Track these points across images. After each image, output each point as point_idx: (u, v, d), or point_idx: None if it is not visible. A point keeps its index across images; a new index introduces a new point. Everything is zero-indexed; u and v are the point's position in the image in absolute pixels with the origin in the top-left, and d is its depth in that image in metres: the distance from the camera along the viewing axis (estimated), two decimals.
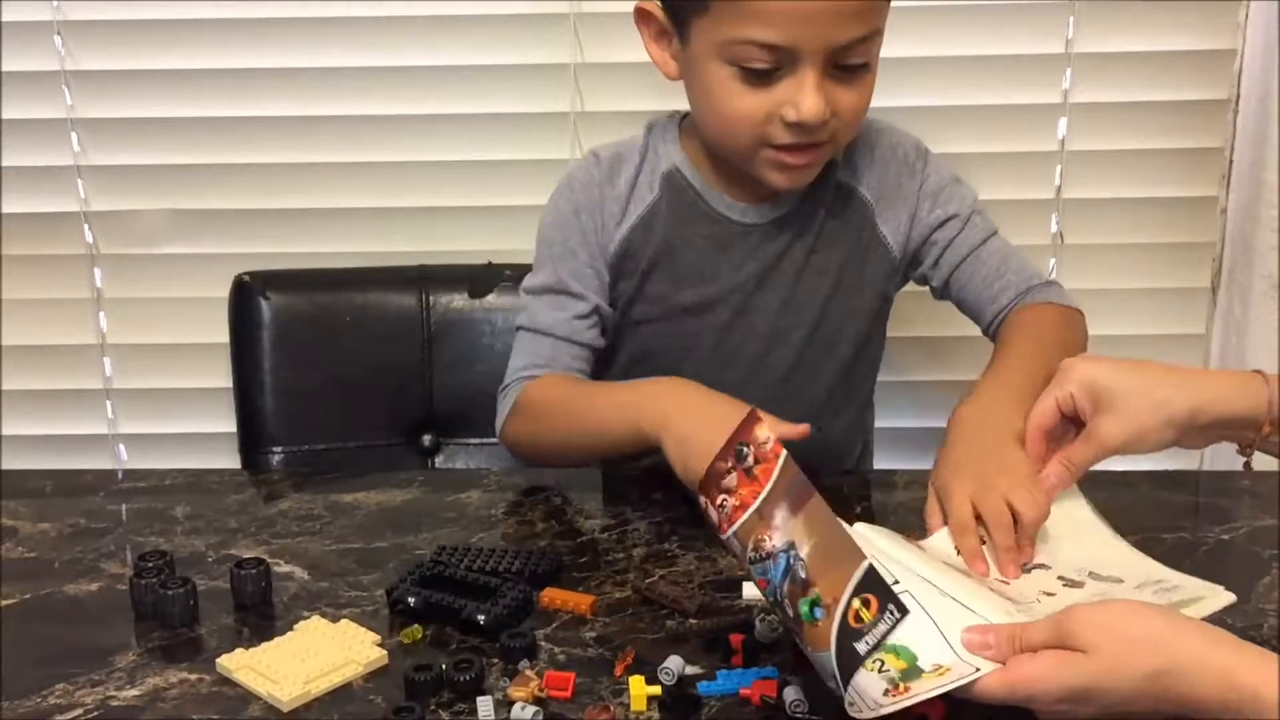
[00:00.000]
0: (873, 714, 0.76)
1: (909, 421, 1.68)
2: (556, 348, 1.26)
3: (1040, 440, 1.01)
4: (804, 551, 0.80)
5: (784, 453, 0.81)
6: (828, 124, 1.14)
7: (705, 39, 1.14)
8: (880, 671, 0.78)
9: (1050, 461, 1.00)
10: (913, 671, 0.78)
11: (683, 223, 1.27)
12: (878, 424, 1.47)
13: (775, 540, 0.81)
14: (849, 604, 0.78)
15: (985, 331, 1.30)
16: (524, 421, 1.25)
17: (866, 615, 0.78)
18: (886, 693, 0.77)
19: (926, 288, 1.35)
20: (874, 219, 1.28)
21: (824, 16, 1.10)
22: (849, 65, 1.14)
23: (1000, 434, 1.02)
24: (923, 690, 0.77)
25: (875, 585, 0.78)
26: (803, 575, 0.79)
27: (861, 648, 0.78)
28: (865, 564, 0.78)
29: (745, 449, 0.83)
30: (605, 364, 1.34)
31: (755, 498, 0.82)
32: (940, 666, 0.78)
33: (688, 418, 1.09)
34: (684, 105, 1.26)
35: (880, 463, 1.47)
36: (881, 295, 1.33)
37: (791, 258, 1.27)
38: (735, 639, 0.92)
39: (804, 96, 1.12)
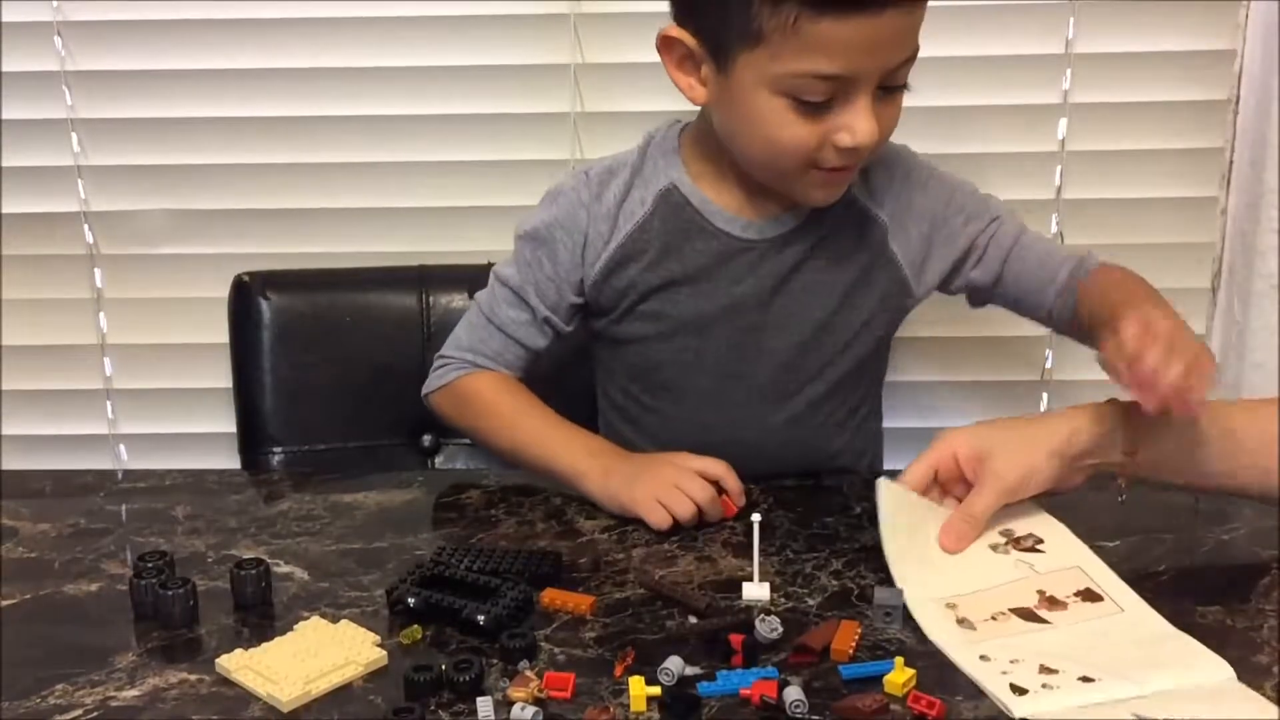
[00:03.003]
0: None
1: (915, 422, 1.68)
2: (506, 345, 1.30)
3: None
4: None
5: None
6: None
7: (754, 71, 1.12)
8: None
9: (950, 520, 1.06)
10: None
11: (679, 239, 1.26)
12: (885, 424, 1.46)
13: None
14: None
15: (1045, 312, 1.32)
16: (458, 408, 1.31)
17: None
18: None
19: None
20: (885, 238, 1.28)
21: (883, 42, 1.10)
22: (894, 86, 1.15)
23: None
24: None
25: None
26: None
27: None
28: None
29: None
30: (607, 377, 1.35)
31: None
32: None
33: (623, 470, 1.18)
34: (686, 107, 1.26)
35: (888, 465, 1.46)
36: (888, 311, 1.31)
37: (797, 274, 1.26)
38: (735, 639, 0.92)
39: (860, 122, 1.12)
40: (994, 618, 0.96)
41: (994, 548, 1.06)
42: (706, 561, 1.07)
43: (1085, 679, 0.88)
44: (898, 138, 1.63)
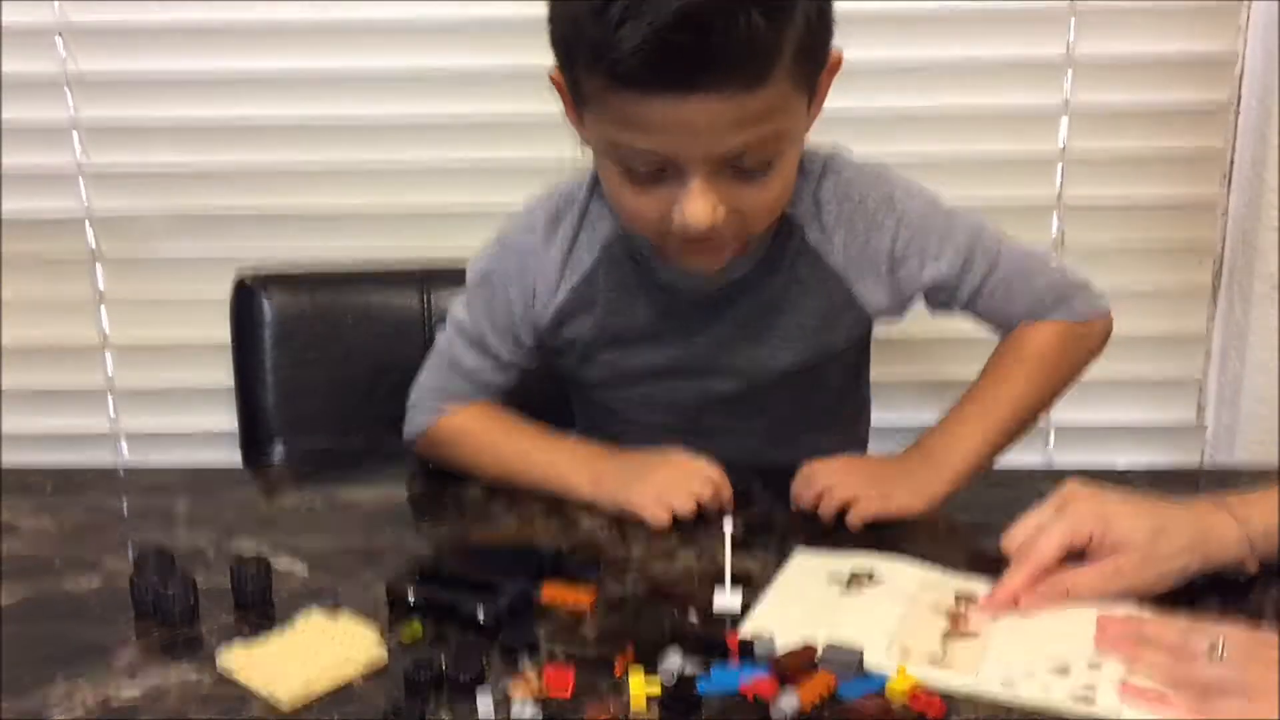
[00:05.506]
0: None
1: (915, 422, 1.67)
2: (473, 389, 1.27)
3: (1040, 574, 0.96)
4: None
5: None
6: (726, 224, 1.04)
7: (593, 132, 1.06)
8: None
9: (1048, 584, 0.96)
10: None
11: (625, 292, 1.20)
12: (881, 425, 1.42)
13: None
14: None
15: None
16: (441, 450, 1.28)
17: None
18: None
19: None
20: (846, 286, 1.18)
21: (701, 127, 0.99)
22: (746, 168, 1.03)
23: (932, 473, 1.14)
24: None
25: None
26: None
27: None
28: None
29: None
30: (574, 400, 1.33)
31: None
32: None
33: (616, 473, 1.17)
34: None
35: None
36: (856, 339, 1.26)
37: (751, 324, 1.19)
38: (731, 640, 0.90)
39: (688, 202, 1.02)
40: (945, 647, 0.92)
41: (843, 593, 0.99)
42: (707, 558, 1.07)
43: (1093, 665, 0.89)
44: (895, 138, 1.66)
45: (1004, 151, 1.68)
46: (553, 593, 0.99)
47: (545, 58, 1.66)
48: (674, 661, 0.89)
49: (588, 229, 1.21)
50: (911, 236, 1.18)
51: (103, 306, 1.77)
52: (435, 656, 0.90)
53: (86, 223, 1.73)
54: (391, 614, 0.99)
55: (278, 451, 1.51)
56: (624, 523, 1.14)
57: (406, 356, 1.53)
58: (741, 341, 1.20)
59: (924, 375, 1.74)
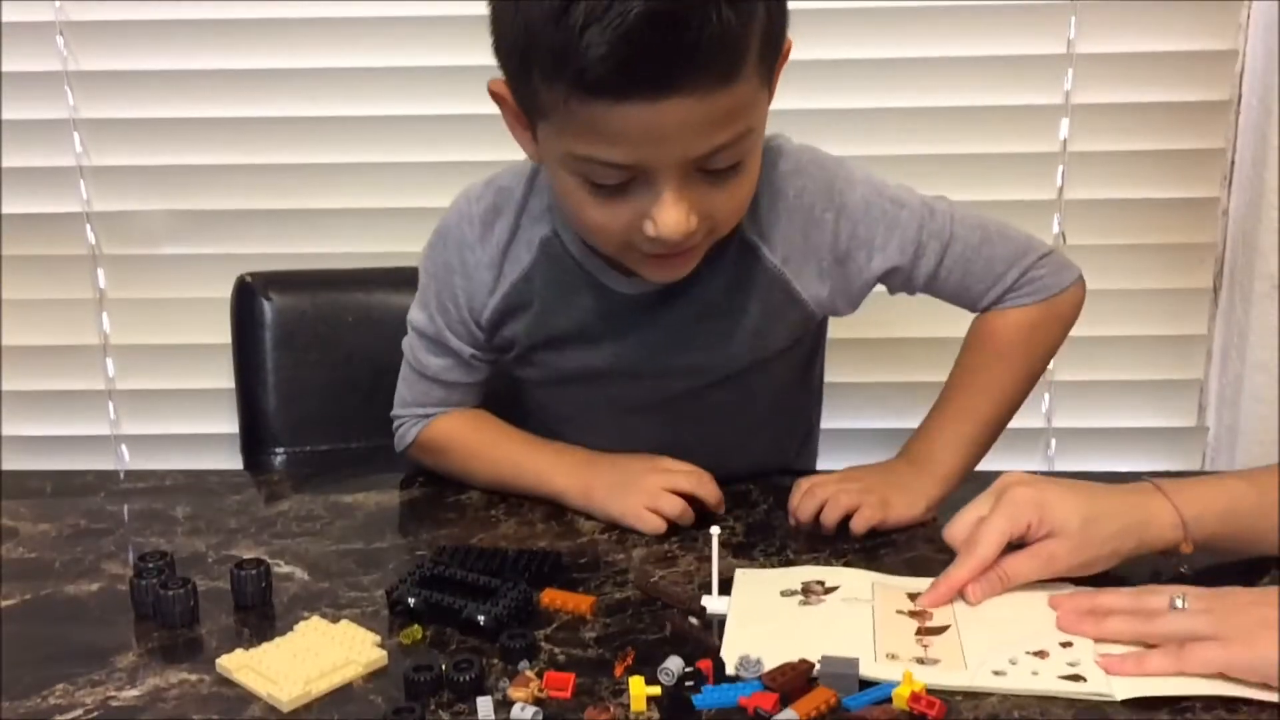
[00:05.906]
0: None
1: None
2: (447, 391, 1.25)
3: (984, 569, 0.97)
4: None
5: None
6: (697, 230, 1.01)
7: (550, 145, 1.01)
8: None
9: (987, 577, 0.97)
10: None
11: (562, 292, 1.16)
12: (827, 425, 1.41)
13: None
14: None
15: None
16: (431, 458, 1.27)
17: None
18: None
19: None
20: (786, 281, 1.15)
21: (672, 133, 0.95)
22: (716, 169, 1.00)
23: (924, 479, 1.15)
24: None
25: None
26: None
27: None
28: None
29: None
30: (520, 422, 1.30)
31: None
32: None
33: (604, 483, 1.16)
34: None
35: (830, 464, 1.42)
36: (804, 337, 1.23)
37: (689, 326, 1.16)
38: (704, 665, 0.89)
39: (661, 212, 0.98)
40: (924, 646, 0.92)
41: (802, 603, 0.98)
42: (706, 562, 1.07)
43: (1065, 644, 0.90)
44: (895, 137, 1.66)
45: (1005, 150, 1.68)
46: (553, 597, 1.00)
47: None
48: (674, 663, 0.89)
49: (526, 226, 1.17)
50: (854, 229, 1.14)
51: (104, 310, 1.77)
52: (435, 659, 0.90)
53: (87, 222, 1.73)
54: (391, 616, 0.99)
55: (278, 453, 1.51)
56: (622, 526, 1.14)
57: None
58: (680, 344, 1.17)
59: (902, 377, 1.73)
